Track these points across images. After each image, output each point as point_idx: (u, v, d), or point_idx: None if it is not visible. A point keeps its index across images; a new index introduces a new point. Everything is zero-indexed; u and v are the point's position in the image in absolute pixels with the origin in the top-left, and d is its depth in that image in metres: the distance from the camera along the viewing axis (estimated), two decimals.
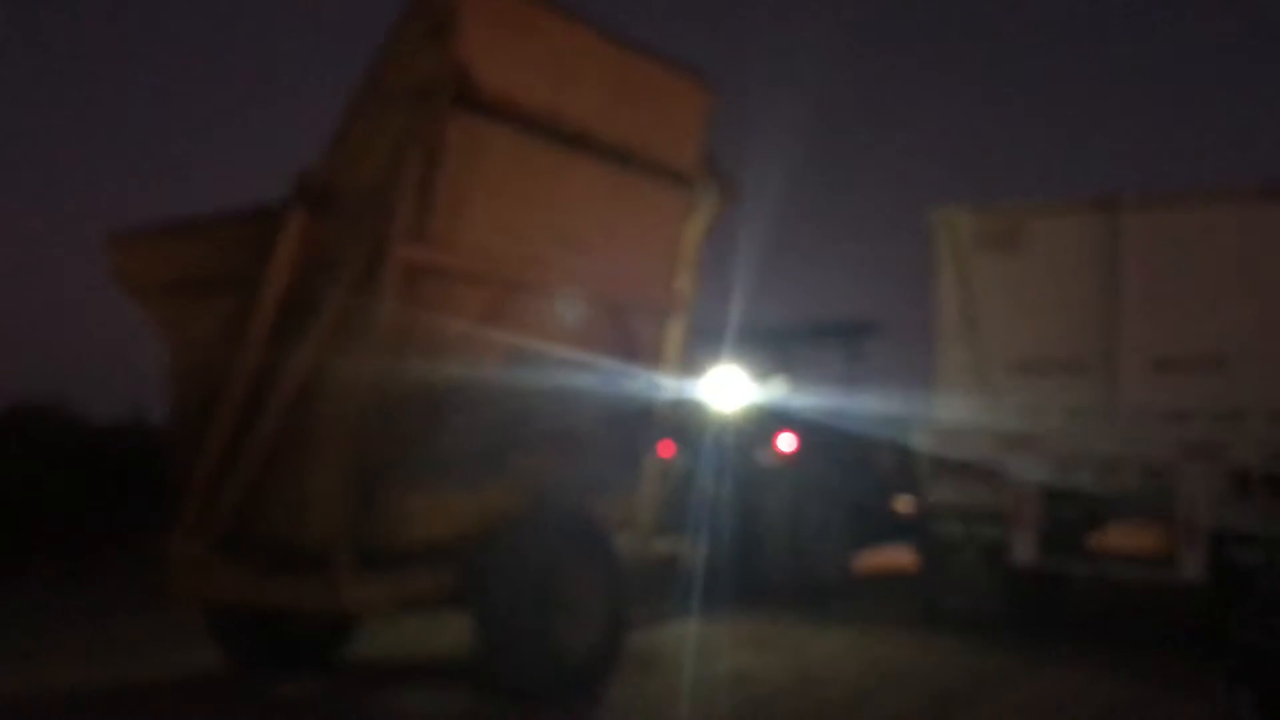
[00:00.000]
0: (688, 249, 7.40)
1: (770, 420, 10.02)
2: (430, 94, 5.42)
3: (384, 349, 5.46)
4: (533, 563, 5.99)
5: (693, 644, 7.70)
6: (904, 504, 10.33)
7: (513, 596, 5.90)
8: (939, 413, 8.49)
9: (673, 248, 7.28)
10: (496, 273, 5.97)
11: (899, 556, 11.43)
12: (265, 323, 5.74)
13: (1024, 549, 7.90)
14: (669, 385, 7.45)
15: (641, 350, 7.09)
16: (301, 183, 5.68)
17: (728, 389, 10.22)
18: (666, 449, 9.95)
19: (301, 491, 5.72)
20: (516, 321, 6.12)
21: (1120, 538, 8.47)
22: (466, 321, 5.85)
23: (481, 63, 5.56)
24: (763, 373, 10.58)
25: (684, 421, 9.78)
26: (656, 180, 6.94)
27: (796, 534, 9.48)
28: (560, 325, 6.45)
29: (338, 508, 5.47)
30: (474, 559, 5.95)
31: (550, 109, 6.00)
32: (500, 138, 5.78)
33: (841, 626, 8.58)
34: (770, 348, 11.16)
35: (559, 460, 6.57)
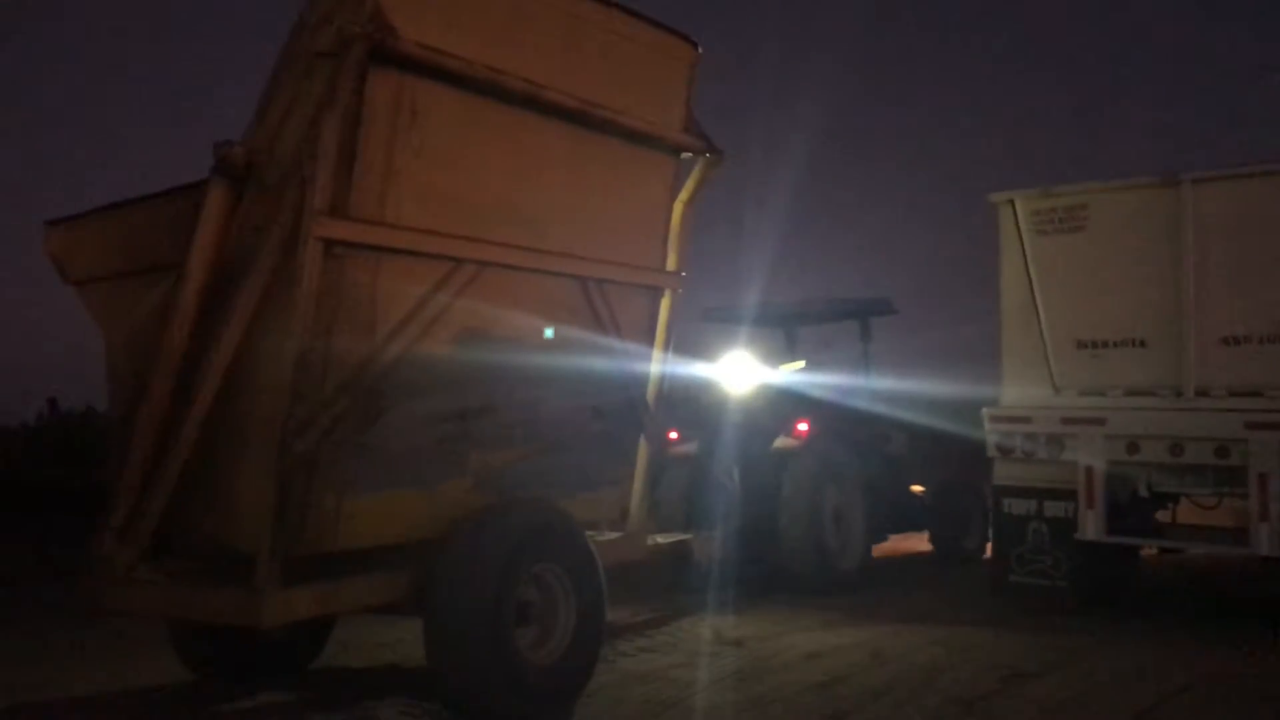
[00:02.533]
0: (674, 220, 6.79)
1: (784, 403, 9.45)
2: (346, 50, 4.88)
3: (306, 333, 4.94)
4: (490, 567, 5.43)
5: (752, 629, 7.78)
6: (918, 488, 9.99)
7: (467, 605, 5.35)
8: (1005, 392, 8.56)
9: (656, 218, 6.68)
10: (441, 246, 5.42)
11: (913, 542, 11.17)
12: (190, 308, 5.24)
13: (1093, 525, 7.93)
14: (660, 367, 6.86)
15: (625, 330, 6.49)
16: (220, 155, 5.18)
17: (739, 372, 9.64)
18: (669, 435, 9.48)
19: (230, 491, 5.26)
20: (470, 300, 5.57)
21: (1190, 513, 8.46)
22: (406, 301, 5.32)
23: (405, 12, 5.00)
24: (775, 354, 10.04)
25: (692, 406, 9.25)
26: (632, 144, 6.34)
27: (815, 521, 8.92)
28: (525, 304, 5.89)
29: (261, 509, 4.98)
30: (424, 564, 5.43)
31: (492, 65, 5.42)
32: (432, 97, 5.22)
33: (895, 610, 8.51)
34: (782, 328, 10.65)
35: (528, 454, 6.02)
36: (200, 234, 5.21)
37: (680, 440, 9.45)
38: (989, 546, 9.45)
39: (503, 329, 5.78)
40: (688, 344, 9.48)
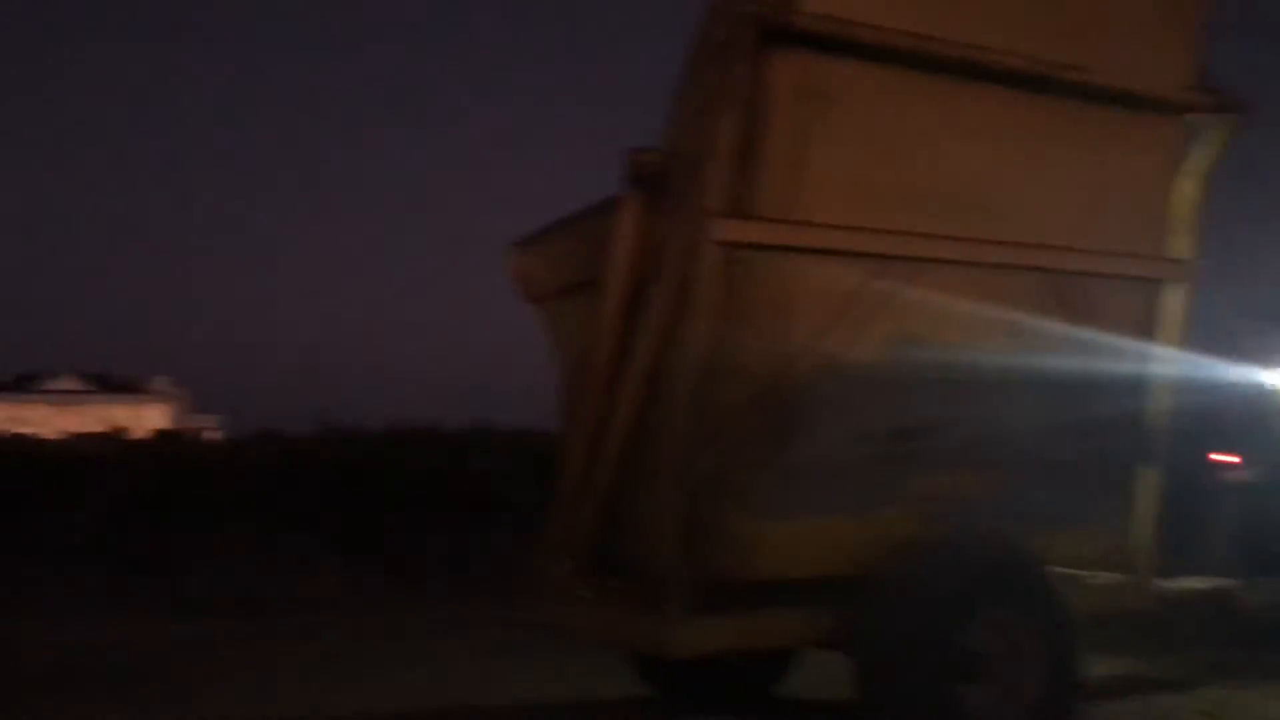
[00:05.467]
0: (1181, 197, 5.54)
1: None
2: (737, 33, 4.46)
3: (708, 342, 4.60)
4: (931, 608, 4.72)
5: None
6: None
7: (904, 650, 4.69)
8: None
9: (1153, 196, 5.49)
10: (863, 243, 4.82)
11: None
12: (612, 322, 5.13)
13: None
14: (1168, 376, 5.64)
15: (1112, 332, 5.39)
16: (632, 163, 5.01)
17: None
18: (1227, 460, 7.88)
19: (646, 509, 5.04)
20: (904, 301, 4.90)
21: None
22: (826, 305, 4.78)
23: None
24: None
25: (1261, 426, 7.60)
26: (1115, 108, 5.26)
27: None
28: (976, 304, 5.08)
29: (669, 533, 4.71)
30: (854, 599, 4.83)
31: (921, 31, 4.72)
32: (846, 76, 4.64)
33: None
34: None
35: (988, 480, 5.17)
36: (616, 245, 5.08)
37: (1240, 466, 7.81)
38: None
39: (948, 334, 5.02)
40: (1251, 349, 7.84)
